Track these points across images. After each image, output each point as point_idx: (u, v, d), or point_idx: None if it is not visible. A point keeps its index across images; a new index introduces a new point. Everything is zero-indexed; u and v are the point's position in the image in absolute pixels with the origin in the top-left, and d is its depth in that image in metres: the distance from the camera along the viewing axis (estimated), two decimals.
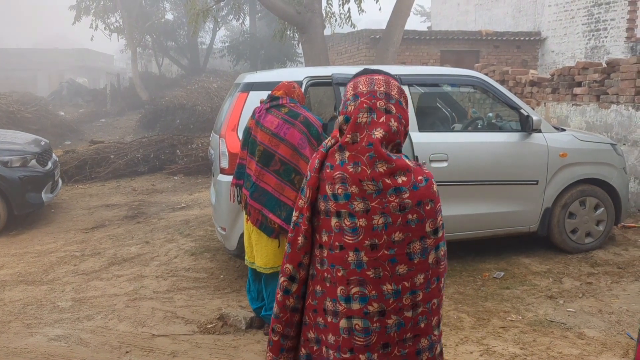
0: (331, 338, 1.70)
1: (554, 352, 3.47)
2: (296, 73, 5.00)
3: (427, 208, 1.64)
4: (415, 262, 1.64)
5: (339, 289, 1.67)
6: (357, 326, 1.65)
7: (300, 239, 1.74)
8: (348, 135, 1.66)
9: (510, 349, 3.52)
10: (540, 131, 5.10)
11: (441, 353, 1.77)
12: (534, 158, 5.07)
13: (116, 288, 4.89)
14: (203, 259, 5.61)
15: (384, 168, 1.62)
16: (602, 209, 5.33)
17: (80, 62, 39.73)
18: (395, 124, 1.66)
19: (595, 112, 7.15)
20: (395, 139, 1.67)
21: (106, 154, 10.89)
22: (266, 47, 22.63)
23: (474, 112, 6.53)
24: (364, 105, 1.65)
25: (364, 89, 1.68)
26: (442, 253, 1.71)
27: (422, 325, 1.68)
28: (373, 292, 1.64)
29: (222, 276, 5.12)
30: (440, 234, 1.69)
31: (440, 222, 1.69)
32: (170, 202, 8.48)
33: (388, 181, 1.62)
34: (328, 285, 1.70)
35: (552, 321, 3.93)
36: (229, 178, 4.56)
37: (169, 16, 27.68)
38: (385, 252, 1.62)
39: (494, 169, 4.98)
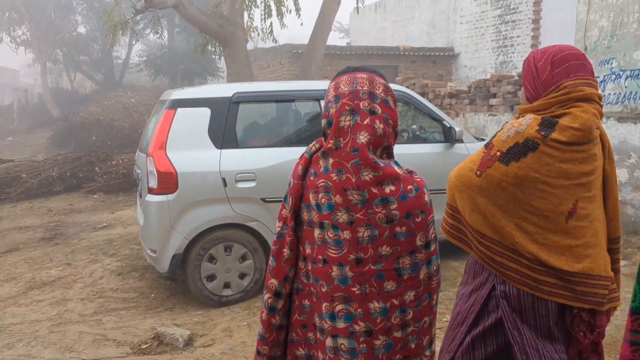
0: (320, 356, 1.59)
1: None
2: (224, 89, 4.93)
3: (417, 220, 1.50)
4: (405, 278, 1.51)
5: (323, 305, 1.54)
6: (342, 346, 1.52)
7: (286, 250, 1.60)
8: (331, 141, 1.52)
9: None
10: (462, 141, 5.34)
11: None
12: None
13: (37, 313, 4.58)
14: (131, 278, 5.38)
15: (371, 176, 1.48)
16: None
17: None
18: (382, 125, 1.51)
19: None
20: (383, 142, 1.52)
21: (17, 173, 10.24)
22: (185, 61, 22.22)
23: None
24: (346, 107, 1.51)
25: (346, 88, 1.53)
26: (435, 268, 1.57)
27: (413, 345, 1.55)
28: (359, 310, 1.50)
29: (153, 295, 4.93)
30: (432, 248, 1.56)
31: (433, 235, 1.56)
32: (91, 221, 8.08)
33: (374, 190, 1.48)
34: (315, 300, 1.58)
35: None
36: (158, 198, 4.43)
37: (82, 29, 26.58)
38: (372, 267, 1.49)
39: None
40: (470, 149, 5.36)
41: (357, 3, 12.40)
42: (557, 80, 1.82)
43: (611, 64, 6.37)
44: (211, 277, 4.56)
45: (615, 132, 6.12)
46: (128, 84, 25.67)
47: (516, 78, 7.72)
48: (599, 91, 2.29)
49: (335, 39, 32.94)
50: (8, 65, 42.63)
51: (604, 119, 6.16)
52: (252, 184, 4.54)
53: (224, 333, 4.01)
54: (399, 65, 16.07)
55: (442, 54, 15.98)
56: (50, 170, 10.35)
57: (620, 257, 2.01)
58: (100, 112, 16.33)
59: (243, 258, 4.62)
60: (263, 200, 4.56)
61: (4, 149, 17.62)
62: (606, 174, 1.90)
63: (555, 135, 1.75)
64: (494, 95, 8.02)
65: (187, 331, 3.97)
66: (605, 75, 6.43)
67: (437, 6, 16.67)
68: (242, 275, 4.63)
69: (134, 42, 25.63)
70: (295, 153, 4.45)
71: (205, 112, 4.61)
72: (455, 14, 15.84)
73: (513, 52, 14.03)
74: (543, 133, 1.76)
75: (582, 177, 1.79)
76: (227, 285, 4.61)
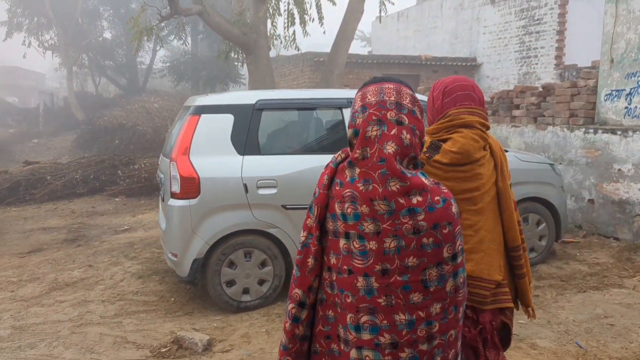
0: None
1: None
2: (247, 96, 4.97)
3: (445, 231, 1.48)
4: (432, 290, 1.49)
5: (348, 316, 1.53)
6: (367, 358, 1.50)
7: (310, 260, 1.60)
8: (357, 151, 1.51)
9: None
10: None
11: None
12: None
13: (59, 314, 4.65)
14: (151, 281, 5.43)
15: (398, 186, 1.46)
16: (544, 224, 5.56)
17: (10, 81, 38.10)
18: (409, 136, 1.50)
19: (533, 133, 7.51)
20: (410, 153, 1.51)
21: (42, 175, 10.43)
22: (208, 67, 22.45)
23: None
24: (373, 117, 1.50)
25: (373, 99, 1.53)
26: (462, 280, 1.54)
27: (439, 359, 1.53)
28: (385, 321, 1.49)
29: (172, 299, 4.97)
30: (459, 260, 1.53)
31: (460, 247, 1.53)
32: (113, 224, 8.18)
33: (401, 201, 1.46)
34: (339, 310, 1.56)
35: None
36: (181, 203, 4.48)
37: (107, 35, 27.05)
38: (398, 278, 1.47)
39: None
40: None
41: (380, 12, 12.40)
42: (446, 108, 2.14)
43: (638, 76, 6.27)
44: (231, 283, 4.58)
45: None
46: (151, 89, 26.02)
47: (540, 90, 7.64)
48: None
49: (357, 47, 32.96)
50: (35, 68, 43.55)
51: (630, 132, 6.08)
52: (273, 191, 4.56)
53: (242, 339, 4.02)
54: (421, 74, 16.02)
55: (464, 64, 15.91)
56: (74, 173, 10.52)
57: (523, 264, 2.22)
58: (124, 116, 16.57)
59: (263, 264, 4.63)
60: (284, 207, 4.57)
61: (30, 151, 17.96)
62: (499, 190, 2.15)
63: (437, 157, 2.07)
64: (517, 107, 7.95)
65: (206, 336, 3.99)
66: (632, 88, 6.34)
67: (460, 16, 16.61)
68: (261, 282, 4.65)
69: (158, 48, 25.96)
70: (316, 161, 4.48)
71: (228, 119, 4.65)
72: (479, 24, 15.76)
73: (537, 64, 13.90)
74: (428, 155, 2.09)
75: (466, 193, 2.07)
76: (246, 291, 4.62)
